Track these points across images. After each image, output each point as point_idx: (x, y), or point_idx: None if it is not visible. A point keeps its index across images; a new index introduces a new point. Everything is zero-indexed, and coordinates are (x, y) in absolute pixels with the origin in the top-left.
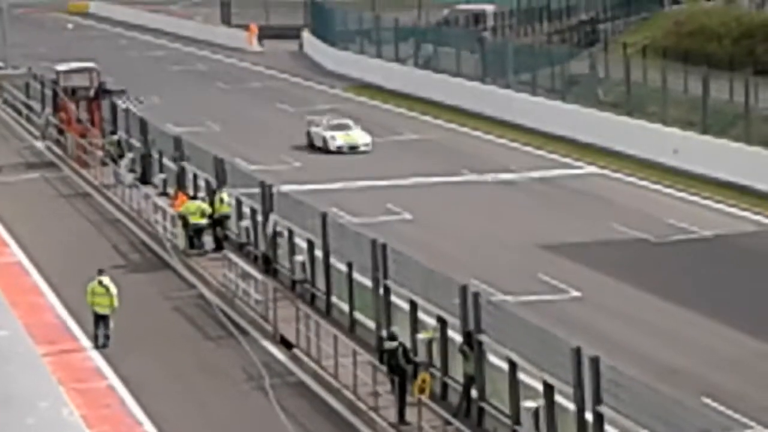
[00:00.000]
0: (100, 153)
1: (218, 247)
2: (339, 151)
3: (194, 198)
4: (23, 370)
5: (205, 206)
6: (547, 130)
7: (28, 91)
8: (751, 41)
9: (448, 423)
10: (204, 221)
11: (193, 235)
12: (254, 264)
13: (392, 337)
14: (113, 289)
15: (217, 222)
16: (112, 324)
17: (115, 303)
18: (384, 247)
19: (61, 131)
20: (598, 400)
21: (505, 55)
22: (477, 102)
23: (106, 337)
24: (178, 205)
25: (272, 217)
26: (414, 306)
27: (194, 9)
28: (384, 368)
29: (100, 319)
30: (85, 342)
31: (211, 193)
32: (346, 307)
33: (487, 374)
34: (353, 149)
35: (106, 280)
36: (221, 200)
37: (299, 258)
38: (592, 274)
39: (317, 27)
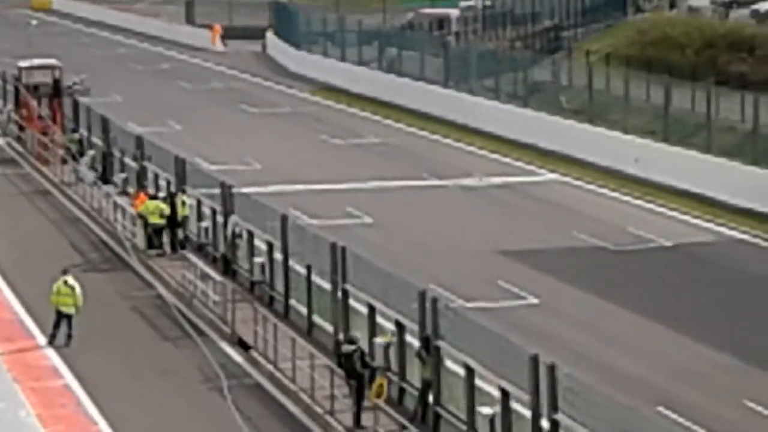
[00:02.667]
0: (61, 151)
1: (174, 249)
2: None
3: (154, 198)
4: None
5: (165, 206)
6: (509, 136)
7: None
8: (714, 51)
9: (404, 428)
10: (163, 221)
11: (153, 234)
12: (213, 265)
13: (351, 341)
14: (78, 289)
15: (178, 224)
16: (75, 324)
17: (80, 302)
18: (343, 250)
19: (22, 128)
20: (554, 407)
21: (468, 60)
22: (440, 106)
23: (69, 336)
24: (138, 205)
25: (232, 218)
26: (372, 310)
27: (159, 7)
28: (341, 372)
29: (63, 318)
30: (42, 340)
31: (172, 195)
32: (304, 309)
33: (444, 380)
34: None
35: (71, 279)
36: (183, 203)
37: (258, 260)
38: (551, 281)
39: (281, 28)
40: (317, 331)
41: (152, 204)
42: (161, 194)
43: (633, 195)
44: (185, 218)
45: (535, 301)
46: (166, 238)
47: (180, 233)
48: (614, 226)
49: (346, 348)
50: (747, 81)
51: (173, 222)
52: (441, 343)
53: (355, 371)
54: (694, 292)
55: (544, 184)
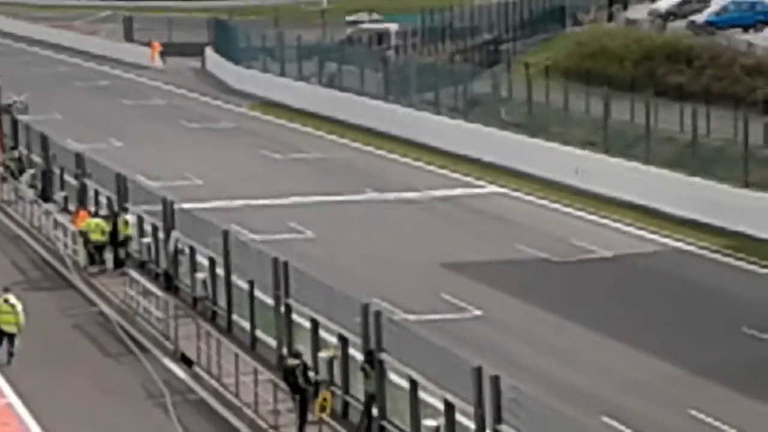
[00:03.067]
0: (0, 169)
1: (117, 266)
2: None
3: (96, 215)
4: None
5: (105, 224)
6: (450, 149)
7: None
8: (652, 63)
9: None
10: (105, 238)
11: (94, 252)
12: (155, 281)
13: (296, 355)
14: (19, 307)
15: (120, 243)
16: (17, 342)
17: (22, 321)
18: (285, 265)
19: None
20: (498, 418)
21: (408, 74)
22: (381, 121)
23: (10, 354)
24: (79, 222)
25: (174, 234)
26: (315, 324)
27: (97, 25)
28: (286, 387)
29: (5, 337)
30: None
31: (114, 215)
32: (247, 325)
33: (388, 393)
34: None
35: (12, 298)
36: (125, 222)
37: (200, 275)
38: (494, 293)
39: (220, 44)
40: (260, 346)
41: (93, 221)
42: (102, 212)
43: (574, 206)
44: (128, 238)
45: (478, 313)
46: (108, 255)
47: (122, 252)
48: (556, 238)
49: (291, 362)
50: (685, 92)
51: (115, 241)
52: (384, 356)
53: (299, 386)
54: (636, 303)
55: (485, 197)
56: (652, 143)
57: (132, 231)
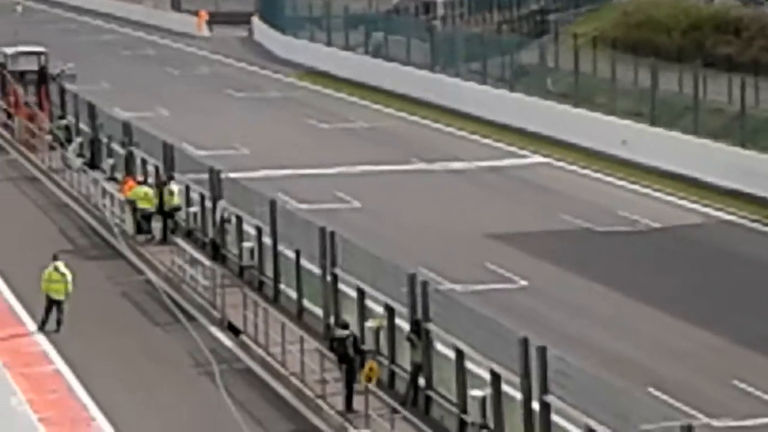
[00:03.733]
0: (48, 137)
1: (165, 239)
2: None
3: (143, 183)
4: None
5: (153, 192)
6: (496, 119)
7: None
8: (700, 33)
9: (395, 411)
10: (152, 207)
11: (141, 220)
12: (202, 250)
13: (344, 325)
14: (69, 275)
15: (167, 214)
16: (65, 310)
17: (70, 289)
18: (332, 234)
19: (8, 115)
20: (544, 389)
21: (455, 44)
22: (427, 91)
23: (59, 322)
24: (127, 191)
25: (221, 203)
26: (362, 294)
27: None
28: (332, 356)
29: (54, 305)
30: (32, 326)
31: (160, 185)
32: (294, 294)
33: (435, 363)
34: None
35: (61, 266)
36: (170, 192)
37: (247, 245)
38: (540, 263)
39: (267, 13)
40: (307, 315)
41: (141, 190)
42: (149, 180)
43: (620, 177)
44: (175, 208)
45: (523, 283)
46: (155, 224)
47: (170, 224)
48: (601, 208)
49: (340, 333)
50: (733, 63)
51: (162, 211)
52: (431, 326)
53: (348, 355)
54: (680, 273)
55: (531, 167)
56: (699, 114)
57: (178, 201)
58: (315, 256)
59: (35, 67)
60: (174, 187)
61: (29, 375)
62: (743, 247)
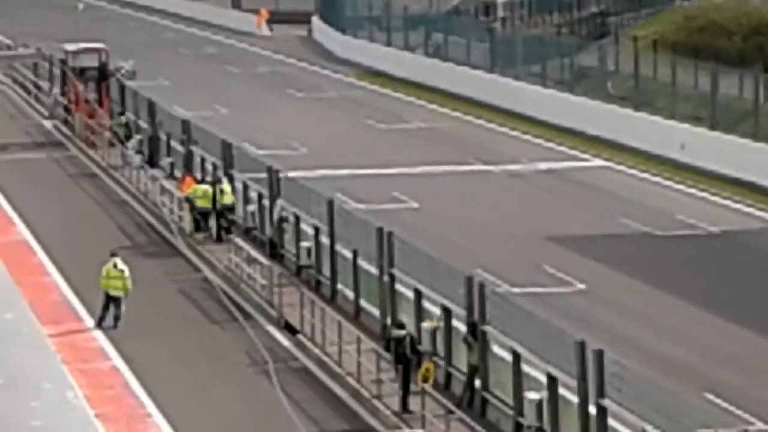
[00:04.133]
0: (107, 134)
1: (219, 237)
2: None
3: (201, 182)
4: (29, 351)
5: (210, 190)
6: (555, 121)
7: (37, 70)
8: (762, 38)
9: (451, 412)
10: (210, 205)
11: (200, 218)
12: (260, 249)
13: (401, 325)
14: (127, 272)
15: (219, 213)
16: (123, 306)
17: (129, 285)
18: (390, 235)
19: (69, 111)
20: (601, 393)
21: (514, 46)
22: (486, 92)
23: (116, 318)
24: (185, 188)
25: (279, 202)
26: (419, 295)
27: None
28: (389, 356)
29: (111, 301)
30: (90, 322)
31: (212, 184)
32: (351, 294)
33: (491, 365)
34: None
35: (120, 262)
36: (221, 191)
37: (305, 244)
38: (598, 267)
39: (327, 13)
40: (364, 315)
41: (200, 188)
42: (208, 178)
43: (679, 181)
44: (227, 207)
45: (581, 286)
46: (213, 222)
47: (223, 222)
48: (661, 213)
49: (397, 333)
50: None
51: (215, 210)
52: (488, 328)
53: (405, 356)
54: (739, 279)
55: (590, 170)
56: (759, 119)
57: (230, 200)
58: (372, 256)
59: (95, 64)
60: (226, 186)
61: (86, 371)
62: None
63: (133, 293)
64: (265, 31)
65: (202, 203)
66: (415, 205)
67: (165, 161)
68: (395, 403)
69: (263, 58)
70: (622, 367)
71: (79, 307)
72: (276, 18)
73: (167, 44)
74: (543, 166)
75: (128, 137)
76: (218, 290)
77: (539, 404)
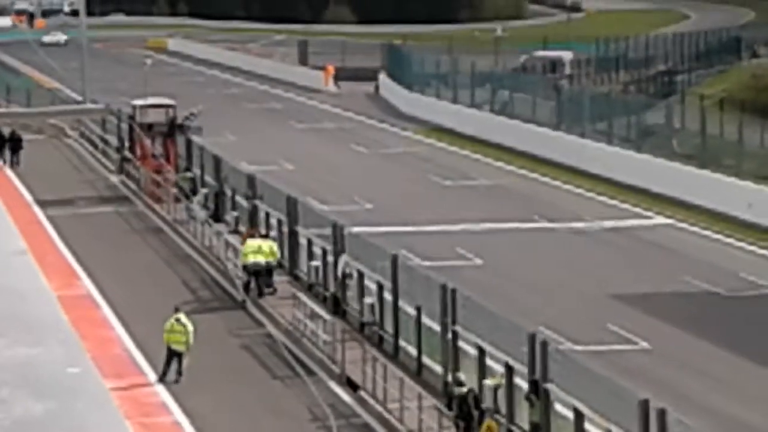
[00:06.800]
0: (173, 189)
1: (260, 293)
2: None
3: (266, 236)
4: (91, 406)
5: (275, 245)
6: (619, 179)
7: (105, 125)
8: None
9: None
10: (273, 260)
11: (264, 273)
12: (323, 304)
13: (460, 383)
14: (190, 327)
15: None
16: (186, 361)
17: (191, 340)
18: (453, 291)
19: (130, 163)
20: None
21: (581, 103)
22: (551, 149)
23: (179, 373)
24: None
25: (342, 258)
26: (482, 352)
27: (272, 48)
28: (450, 413)
29: (174, 356)
30: (153, 376)
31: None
32: (413, 350)
33: (553, 423)
34: None
35: (183, 317)
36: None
37: (368, 300)
38: (662, 325)
39: (393, 70)
40: (426, 371)
41: (265, 244)
42: (272, 233)
43: (746, 240)
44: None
45: (645, 345)
46: (277, 278)
47: (263, 280)
48: (727, 272)
49: (459, 390)
50: None
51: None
52: (550, 386)
53: (469, 413)
54: None
55: (654, 228)
56: None
57: (274, 259)
58: (435, 313)
59: (163, 120)
60: (271, 242)
61: (148, 425)
62: None
63: (196, 348)
64: (331, 86)
65: (266, 258)
66: (479, 261)
67: (230, 216)
68: None
69: (329, 113)
70: (685, 426)
71: (142, 361)
72: (343, 75)
73: (234, 99)
74: (607, 223)
75: (194, 192)
76: (281, 345)
77: None
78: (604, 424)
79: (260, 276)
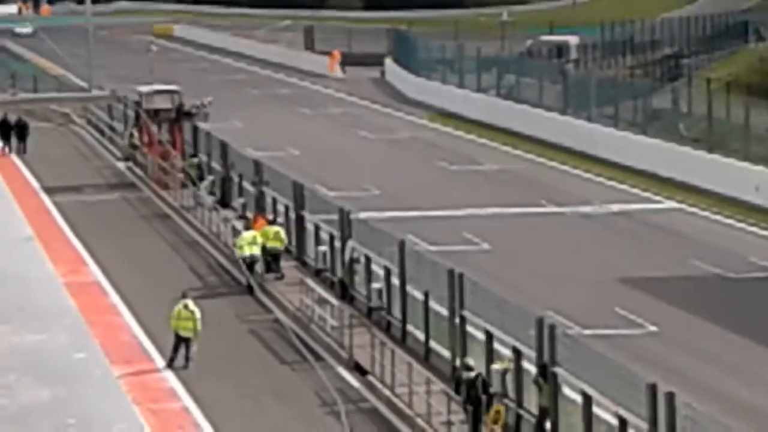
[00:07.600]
0: (180, 175)
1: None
2: None
3: (273, 222)
4: (100, 392)
5: (283, 232)
6: (626, 163)
7: (111, 112)
8: None
9: None
10: (281, 246)
11: (271, 259)
12: (331, 290)
13: (468, 367)
14: (198, 313)
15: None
16: (194, 347)
17: (199, 327)
18: (461, 276)
19: (137, 149)
20: None
21: (587, 88)
22: (558, 134)
23: (187, 359)
24: (257, 229)
25: (350, 243)
26: (489, 336)
27: (278, 34)
28: (458, 397)
29: (182, 342)
30: (161, 362)
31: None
32: (421, 335)
33: (561, 407)
34: None
35: (191, 303)
36: (275, 234)
37: (376, 285)
38: (670, 309)
39: (400, 55)
40: (434, 356)
41: (272, 230)
42: (279, 219)
43: (752, 223)
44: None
45: (653, 329)
46: (284, 263)
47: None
48: (735, 255)
49: (467, 374)
50: None
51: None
52: (558, 370)
53: (477, 397)
54: None
55: (662, 212)
56: None
57: (281, 245)
58: (443, 298)
59: (169, 106)
60: (278, 228)
61: (157, 411)
62: None
63: (204, 334)
64: (337, 72)
65: (273, 244)
66: (487, 246)
67: (237, 202)
68: None
69: (335, 99)
70: (693, 410)
71: (150, 347)
72: (349, 60)
73: (240, 86)
74: (615, 208)
75: (201, 178)
76: (289, 331)
77: None
78: (613, 408)
79: (254, 267)
